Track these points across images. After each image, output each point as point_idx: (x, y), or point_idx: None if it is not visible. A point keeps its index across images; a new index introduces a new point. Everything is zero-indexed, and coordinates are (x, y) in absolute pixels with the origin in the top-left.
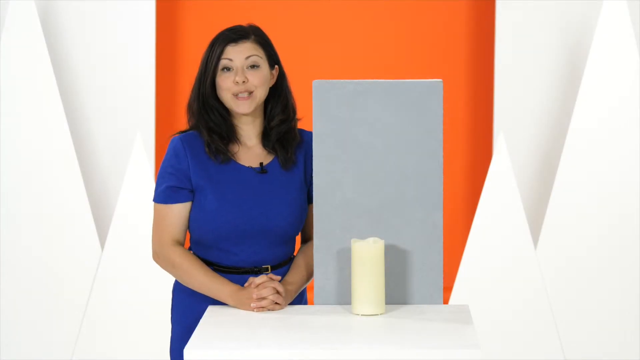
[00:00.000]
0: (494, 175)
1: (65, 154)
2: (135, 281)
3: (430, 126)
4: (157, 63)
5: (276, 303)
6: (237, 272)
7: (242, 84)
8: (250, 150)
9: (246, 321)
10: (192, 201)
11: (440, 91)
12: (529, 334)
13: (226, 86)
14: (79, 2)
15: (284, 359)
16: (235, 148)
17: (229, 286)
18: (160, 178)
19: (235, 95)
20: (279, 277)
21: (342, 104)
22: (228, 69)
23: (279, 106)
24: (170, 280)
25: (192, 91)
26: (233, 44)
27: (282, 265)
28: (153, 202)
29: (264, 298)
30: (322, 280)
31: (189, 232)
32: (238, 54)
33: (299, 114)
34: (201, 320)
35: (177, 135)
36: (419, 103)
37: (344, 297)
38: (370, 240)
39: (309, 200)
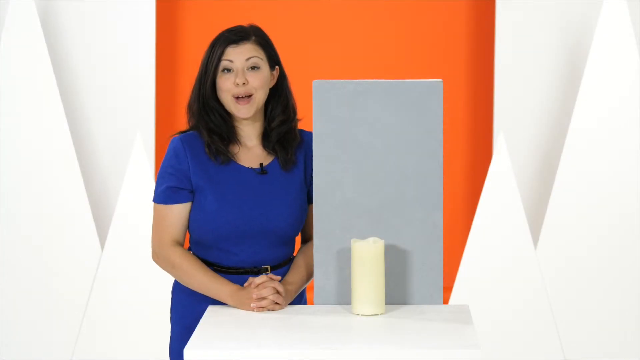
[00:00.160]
0: (494, 175)
1: (65, 154)
2: (135, 281)
3: (430, 126)
4: (157, 63)
5: (276, 303)
6: (237, 272)
7: (242, 85)
8: (251, 151)
9: (246, 321)
10: (192, 202)
11: (440, 91)
12: (529, 334)
13: (226, 88)
14: (79, 2)
15: (284, 359)
16: (235, 149)
17: (229, 286)
18: (160, 178)
19: (236, 97)
20: (279, 277)
21: (342, 104)
22: (228, 70)
23: (279, 107)
24: (170, 280)
25: (192, 92)
26: (233, 45)
27: (282, 265)
28: (153, 203)
29: (264, 298)
30: (322, 280)
31: (189, 232)
32: (238, 55)
33: (299, 114)
34: (201, 320)
35: (177, 135)
36: (419, 103)
37: (344, 297)
38: (370, 240)
39: (309, 200)
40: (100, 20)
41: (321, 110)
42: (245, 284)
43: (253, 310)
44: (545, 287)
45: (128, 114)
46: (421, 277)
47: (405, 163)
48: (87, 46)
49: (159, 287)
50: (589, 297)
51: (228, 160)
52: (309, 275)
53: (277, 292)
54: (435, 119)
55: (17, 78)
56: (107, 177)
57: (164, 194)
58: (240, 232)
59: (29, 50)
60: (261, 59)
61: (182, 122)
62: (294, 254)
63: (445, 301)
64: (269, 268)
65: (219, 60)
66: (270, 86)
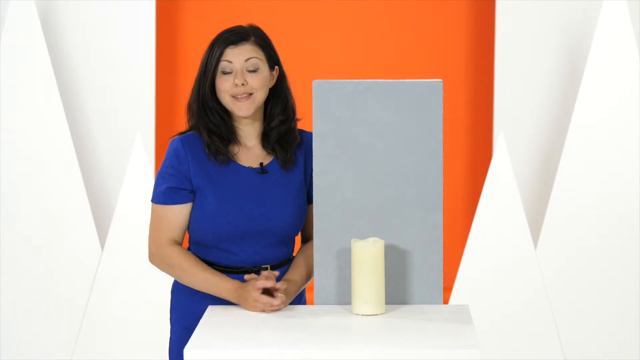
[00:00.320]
0: (494, 175)
1: (65, 154)
2: (135, 281)
3: (430, 126)
4: (157, 63)
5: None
6: (236, 272)
7: (242, 86)
8: (250, 151)
9: (246, 321)
10: (193, 202)
11: (440, 91)
12: (529, 334)
13: (225, 89)
14: (79, 2)
15: (283, 359)
16: (235, 149)
17: (230, 283)
18: (160, 179)
19: (235, 96)
20: (277, 273)
21: (342, 104)
22: (228, 71)
23: (278, 107)
24: (170, 280)
25: (192, 92)
26: (232, 47)
27: (282, 265)
28: (151, 203)
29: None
30: (322, 280)
31: (189, 232)
32: (237, 57)
33: (299, 114)
34: (201, 320)
35: (176, 136)
36: (419, 103)
37: (344, 297)
38: (370, 240)
39: (309, 200)
40: (100, 20)
41: (321, 110)
42: (246, 277)
43: (255, 309)
44: (545, 287)
45: (128, 114)
46: (421, 277)
47: (405, 163)
48: (87, 46)
49: (159, 287)
50: (589, 297)
51: (228, 160)
52: (309, 275)
53: (276, 289)
54: (435, 119)
55: (17, 78)
56: (107, 177)
57: (164, 194)
58: (241, 232)
59: (29, 50)
60: (260, 59)
61: (182, 122)
62: (294, 254)
63: (445, 301)
64: (269, 268)
65: (218, 61)
66: (270, 86)
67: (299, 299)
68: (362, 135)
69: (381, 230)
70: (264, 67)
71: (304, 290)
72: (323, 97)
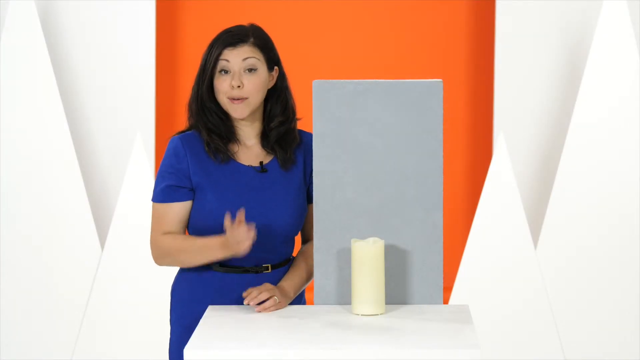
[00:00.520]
0: (494, 175)
1: (65, 154)
2: (135, 281)
3: (430, 126)
4: (157, 63)
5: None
6: (236, 271)
7: (237, 88)
8: (250, 150)
9: (246, 321)
10: (192, 200)
11: (440, 91)
12: (529, 334)
13: (222, 89)
14: (79, 2)
15: (283, 359)
16: (234, 147)
17: (216, 239)
18: (160, 177)
19: (231, 98)
20: (272, 287)
21: (342, 104)
22: (226, 71)
23: (278, 107)
24: (170, 280)
25: (192, 91)
26: (231, 48)
27: (282, 264)
28: (151, 202)
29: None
30: (322, 280)
31: (188, 231)
32: (235, 57)
33: (299, 114)
34: (201, 321)
35: (176, 135)
36: (419, 103)
37: (344, 297)
38: (370, 240)
39: (309, 200)
40: (100, 20)
41: (321, 110)
42: (226, 223)
43: (242, 245)
44: (545, 287)
45: (128, 114)
46: (421, 277)
47: (405, 163)
48: (87, 46)
49: (159, 287)
50: (589, 297)
51: (227, 158)
52: (309, 275)
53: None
54: (435, 119)
55: (17, 78)
56: (107, 177)
57: (163, 193)
58: None
59: (29, 50)
60: (258, 60)
61: (182, 122)
62: (294, 254)
63: (445, 301)
64: (269, 267)
65: (216, 60)
66: (269, 87)
67: (299, 299)
68: (362, 135)
69: (381, 230)
70: (261, 68)
71: (304, 290)
72: (323, 97)
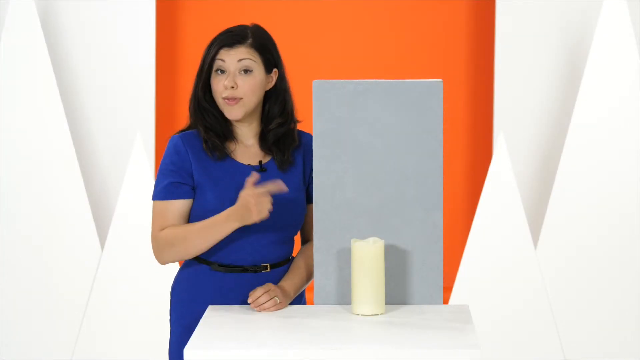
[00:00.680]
0: (494, 175)
1: (65, 154)
2: (135, 281)
3: (430, 126)
4: (157, 63)
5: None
6: (236, 270)
7: (231, 89)
8: (249, 149)
9: (246, 321)
10: (192, 199)
11: (440, 91)
12: (529, 334)
13: (218, 90)
14: (79, 2)
15: (283, 359)
16: (232, 146)
17: (222, 214)
18: (161, 175)
19: (225, 98)
20: (274, 287)
21: (342, 104)
22: (222, 71)
23: (277, 108)
24: (170, 280)
25: (192, 90)
26: (227, 48)
27: (281, 264)
28: (152, 201)
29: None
30: (322, 280)
31: None
32: (231, 57)
33: (299, 116)
34: (201, 321)
35: (176, 134)
36: (419, 103)
37: (344, 297)
38: (370, 240)
39: (309, 200)
40: (100, 20)
41: (321, 110)
42: (249, 182)
43: (260, 206)
44: (545, 287)
45: (128, 114)
46: (421, 277)
47: (405, 163)
48: (87, 46)
49: (159, 287)
50: (589, 297)
51: (224, 155)
52: (309, 276)
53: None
54: (435, 119)
55: (17, 78)
56: (107, 177)
57: (165, 190)
58: (240, 230)
59: (29, 50)
60: (255, 61)
61: (182, 122)
62: (294, 253)
63: (445, 301)
64: (268, 266)
65: (213, 60)
66: (267, 89)
67: (299, 299)
68: (362, 135)
69: (381, 230)
70: (258, 69)
71: (304, 290)
72: (323, 97)
